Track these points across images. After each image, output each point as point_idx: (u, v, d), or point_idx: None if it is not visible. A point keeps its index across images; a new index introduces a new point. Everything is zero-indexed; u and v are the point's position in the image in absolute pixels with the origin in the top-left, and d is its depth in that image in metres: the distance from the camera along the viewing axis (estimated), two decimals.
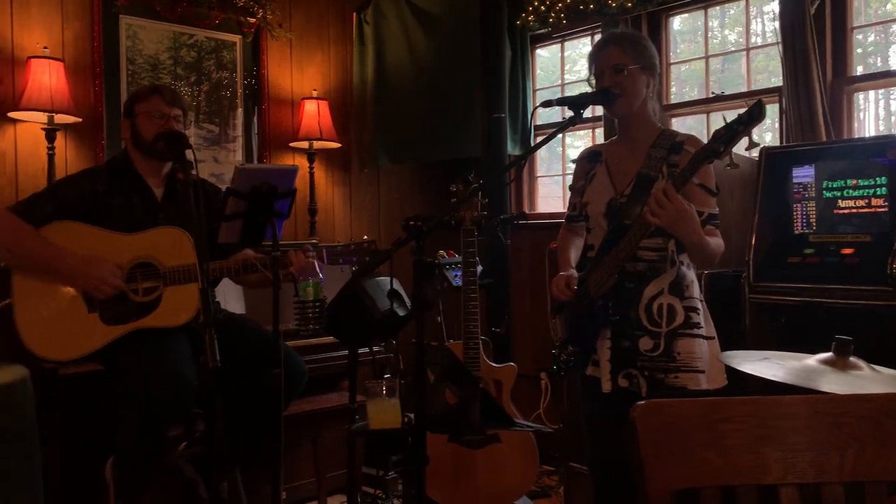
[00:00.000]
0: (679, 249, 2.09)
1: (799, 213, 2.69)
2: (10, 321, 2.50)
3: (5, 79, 3.21)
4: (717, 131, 1.83)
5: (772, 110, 3.57)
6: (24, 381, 2.46)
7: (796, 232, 2.69)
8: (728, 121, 1.82)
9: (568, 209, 2.36)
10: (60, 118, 3.19)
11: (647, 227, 1.93)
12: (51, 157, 3.17)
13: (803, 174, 2.68)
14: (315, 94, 4.03)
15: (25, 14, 3.27)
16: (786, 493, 1.07)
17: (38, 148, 3.23)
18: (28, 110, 3.10)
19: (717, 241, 2.01)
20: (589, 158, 2.28)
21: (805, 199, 2.67)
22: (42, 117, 3.15)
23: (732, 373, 2.08)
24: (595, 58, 2.13)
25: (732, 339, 2.51)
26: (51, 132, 3.17)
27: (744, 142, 1.89)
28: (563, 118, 2.08)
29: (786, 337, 2.54)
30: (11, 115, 3.17)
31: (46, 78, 3.10)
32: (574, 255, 2.32)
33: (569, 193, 2.38)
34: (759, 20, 3.67)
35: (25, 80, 3.13)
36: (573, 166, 2.38)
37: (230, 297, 3.19)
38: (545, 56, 4.57)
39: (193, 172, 2.13)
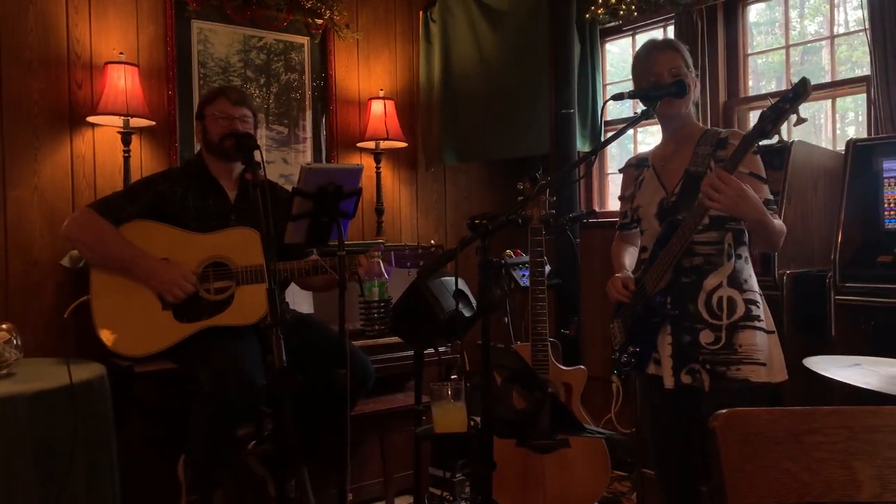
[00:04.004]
0: (737, 243, 2.09)
1: (891, 208, 2.54)
2: (88, 316, 2.57)
3: (84, 84, 3.31)
4: (763, 112, 1.86)
5: (854, 101, 3.41)
6: (101, 378, 2.55)
7: (887, 228, 2.55)
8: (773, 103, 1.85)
9: (620, 218, 2.37)
10: (136, 122, 3.26)
11: (700, 217, 1.95)
12: (126, 159, 3.25)
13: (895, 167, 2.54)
14: (381, 93, 4.03)
15: (103, 21, 3.37)
16: None
17: (114, 151, 3.31)
18: (105, 114, 3.18)
19: (779, 222, 2.01)
20: (636, 165, 2.33)
21: None
22: (118, 121, 3.22)
23: (815, 379, 1.98)
24: (650, 60, 2.16)
25: (817, 343, 2.39)
26: (126, 135, 3.24)
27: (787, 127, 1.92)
28: (635, 113, 2.05)
29: (876, 341, 2.42)
30: (90, 119, 3.26)
31: (122, 82, 3.18)
32: (628, 260, 2.35)
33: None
34: (841, 9, 3.50)
35: (102, 85, 3.22)
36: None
37: (299, 297, 3.21)
38: (616, 52, 4.46)
39: (261, 173, 2.15)
